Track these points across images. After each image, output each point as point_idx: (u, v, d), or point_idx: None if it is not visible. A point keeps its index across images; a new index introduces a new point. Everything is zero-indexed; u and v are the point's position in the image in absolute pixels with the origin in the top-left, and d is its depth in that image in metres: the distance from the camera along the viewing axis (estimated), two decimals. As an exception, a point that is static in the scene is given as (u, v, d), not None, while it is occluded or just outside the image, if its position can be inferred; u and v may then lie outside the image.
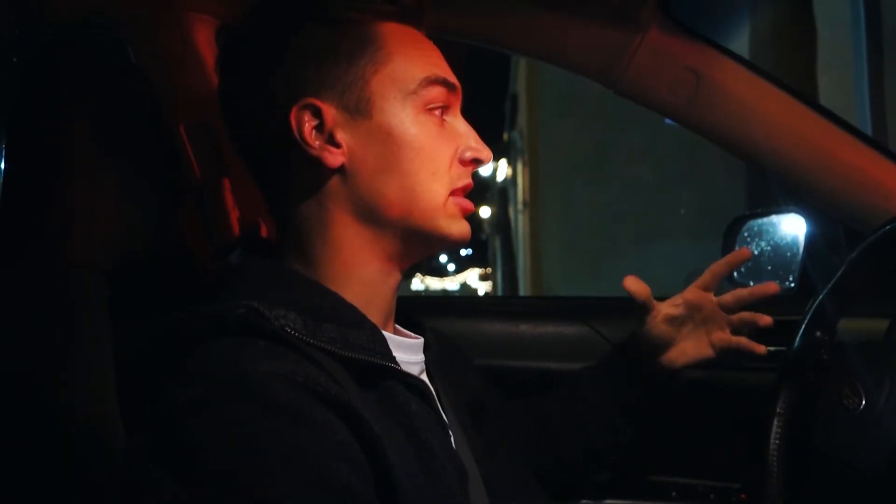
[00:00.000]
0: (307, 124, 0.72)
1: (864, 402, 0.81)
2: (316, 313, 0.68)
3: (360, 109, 0.72)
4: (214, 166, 1.00)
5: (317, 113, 0.72)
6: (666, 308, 1.02)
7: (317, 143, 0.72)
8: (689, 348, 1.01)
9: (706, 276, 1.02)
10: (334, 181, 0.73)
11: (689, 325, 1.01)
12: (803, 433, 0.89)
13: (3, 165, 0.73)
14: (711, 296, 1.01)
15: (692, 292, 1.02)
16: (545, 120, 9.11)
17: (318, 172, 0.73)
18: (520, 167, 11.99)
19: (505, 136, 14.36)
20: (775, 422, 0.89)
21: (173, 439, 0.59)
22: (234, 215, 1.04)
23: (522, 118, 10.87)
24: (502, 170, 15.31)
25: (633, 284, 1.01)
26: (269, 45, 0.74)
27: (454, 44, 1.08)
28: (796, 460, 0.89)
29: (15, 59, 0.80)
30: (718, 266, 1.02)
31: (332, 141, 0.72)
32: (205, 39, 0.99)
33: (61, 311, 0.70)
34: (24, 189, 0.72)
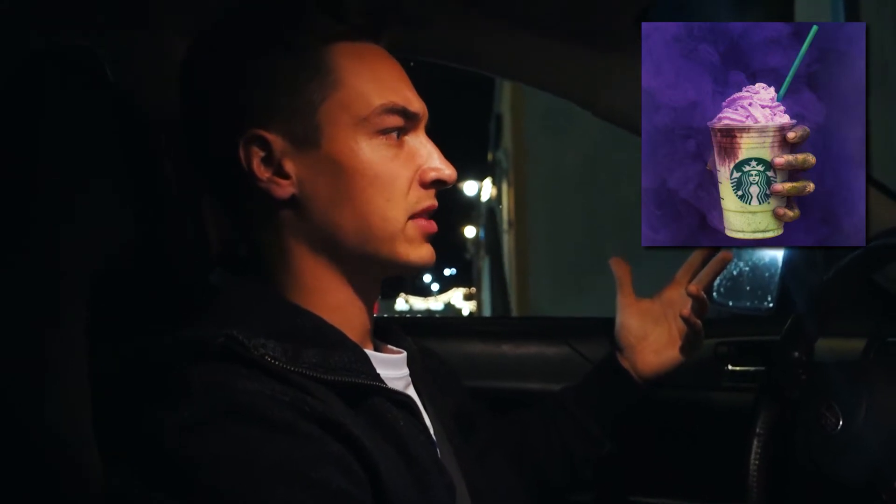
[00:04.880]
0: (255, 156, 0.70)
1: (841, 422, 0.81)
2: (296, 338, 0.67)
3: (307, 139, 0.70)
4: (194, 184, 0.99)
5: (265, 144, 0.70)
6: (643, 302, 1.02)
7: (265, 175, 0.70)
8: (662, 346, 1.00)
9: (681, 270, 1.01)
10: (286, 212, 0.72)
11: (664, 325, 1.00)
12: (783, 453, 0.89)
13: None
14: (683, 290, 0.99)
15: (668, 290, 1.01)
16: (530, 139, 9.15)
17: (270, 204, 0.72)
18: (504, 186, 12.04)
19: (490, 156, 14.43)
20: (755, 441, 0.90)
21: (167, 463, 0.59)
22: (214, 233, 1.03)
23: (507, 137, 10.93)
24: (487, 189, 15.36)
25: (617, 264, 1.03)
26: (214, 76, 0.72)
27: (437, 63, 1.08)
28: (776, 480, 0.89)
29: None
30: (693, 259, 1.01)
31: (280, 172, 0.71)
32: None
33: (35, 326, 0.69)
34: (2, 203, 0.72)
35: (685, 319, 0.95)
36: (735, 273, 1.29)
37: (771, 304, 1.20)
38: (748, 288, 1.25)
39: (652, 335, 1.00)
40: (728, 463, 0.94)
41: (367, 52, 0.73)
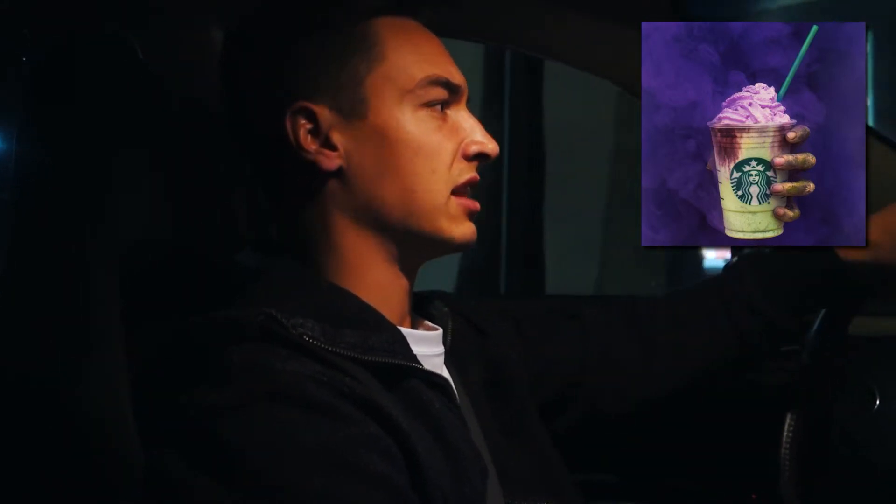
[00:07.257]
0: (302, 128, 0.71)
1: (878, 402, 0.81)
2: (335, 318, 0.68)
3: (354, 110, 0.71)
4: (226, 166, 1.00)
5: (311, 116, 0.71)
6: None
7: (312, 147, 0.71)
8: None
9: None
10: (332, 185, 0.72)
11: None
12: (817, 430, 0.88)
13: (14, 164, 0.74)
14: None
15: None
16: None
17: (316, 177, 0.72)
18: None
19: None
20: (788, 416, 0.89)
21: (207, 445, 0.60)
22: (245, 214, 1.03)
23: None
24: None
25: None
26: (261, 52, 0.73)
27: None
28: (810, 456, 0.88)
29: (25, 59, 0.80)
30: None
31: (327, 144, 0.71)
32: (217, 42, 0.99)
33: (72, 309, 0.70)
34: (36, 186, 0.72)
35: None
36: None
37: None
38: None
39: None
40: (758, 442, 0.93)
41: (409, 27, 0.75)
